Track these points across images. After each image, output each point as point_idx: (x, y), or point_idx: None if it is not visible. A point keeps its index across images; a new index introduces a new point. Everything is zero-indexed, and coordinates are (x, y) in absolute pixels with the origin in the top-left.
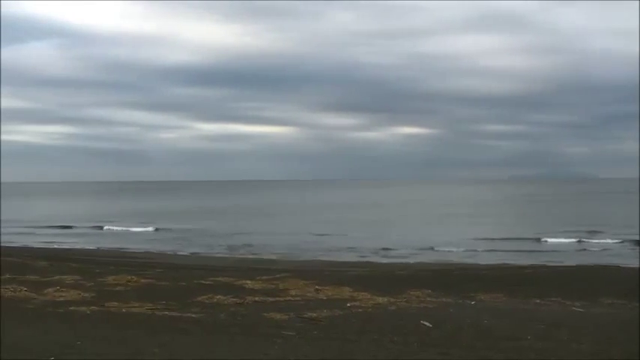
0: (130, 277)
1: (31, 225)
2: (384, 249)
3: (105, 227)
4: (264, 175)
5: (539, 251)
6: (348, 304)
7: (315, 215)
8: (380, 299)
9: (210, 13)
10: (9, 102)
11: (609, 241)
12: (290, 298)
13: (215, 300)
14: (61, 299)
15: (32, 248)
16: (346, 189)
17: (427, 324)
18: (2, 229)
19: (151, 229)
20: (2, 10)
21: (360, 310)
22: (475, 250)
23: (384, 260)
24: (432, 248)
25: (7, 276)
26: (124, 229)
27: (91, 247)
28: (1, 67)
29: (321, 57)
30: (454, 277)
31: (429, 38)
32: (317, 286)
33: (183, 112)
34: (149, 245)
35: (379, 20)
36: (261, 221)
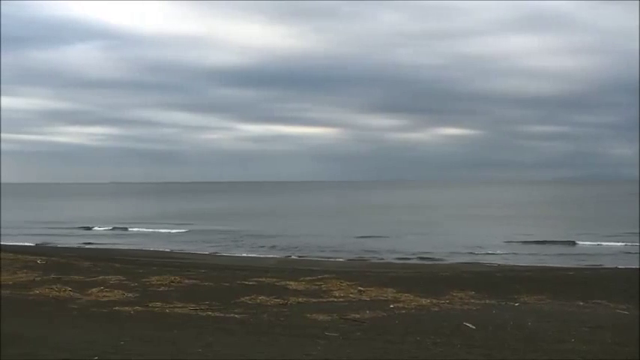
0: (173, 278)
1: (71, 226)
2: (426, 250)
3: (149, 229)
4: (307, 177)
5: (583, 254)
6: (392, 306)
7: (358, 216)
8: (423, 301)
9: (254, 14)
10: (53, 103)
11: None
12: (333, 299)
13: (258, 301)
14: (105, 299)
15: (76, 248)
16: (389, 190)
17: (470, 326)
18: (46, 230)
19: (193, 229)
20: (48, 11)
21: (403, 311)
22: (517, 252)
23: (427, 262)
24: (474, 250)
25: (52, 276)
26: (167, 230)
27: (134, 248)
28: (46, 69)
29: (364, 58)
30: (497, 278)
31: (471, 39)
32: (360, 287)
33: (226, 113)
34: (192, 246)
35: (422, 21)
36: (304, 222)
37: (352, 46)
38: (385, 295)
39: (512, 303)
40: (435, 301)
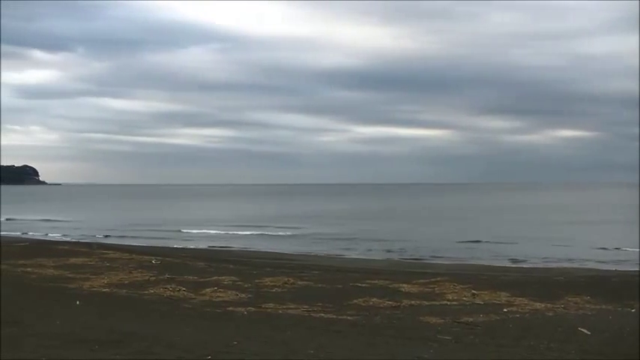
0: (286, 279)
1: (186, 226)
2: (540, 254)
3: (263, 231)
4: (420, 179)
5: None
6: (505, 310)
7: (471, 219)
8: (537, 305)
9: (365, 15)
10: (168, 106)
11: None
12: (446, 302)
13: (371, 303)
14: (219, 300)
15: (190, 249)
16: (503, 192)
17: (585, 331)
18: (160, 232)
19: (307, 231)
20: (162, 15)
21: (517, 315)
22: (634, 257)
23: (541, 265)
24: (589, 254)
25: (167, 276)
26: (281, 232)
27: (248, 249)
28: (161, 71)
29: (477, 59)
30: (613, 283)
31: (588, 38)
32: (473, 291)
33: (340, 115)
34: (305, 248)
35: (537, 21)
36: (417, 224)
37: (466, 46)
38: (499, 299)
39: (628, 309)
40: (549, 305)
